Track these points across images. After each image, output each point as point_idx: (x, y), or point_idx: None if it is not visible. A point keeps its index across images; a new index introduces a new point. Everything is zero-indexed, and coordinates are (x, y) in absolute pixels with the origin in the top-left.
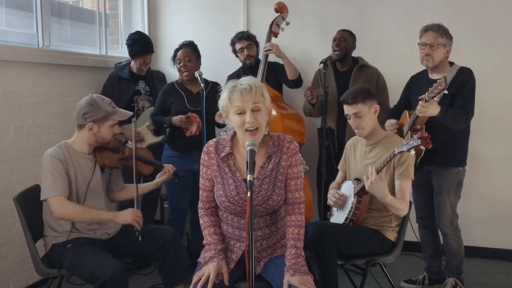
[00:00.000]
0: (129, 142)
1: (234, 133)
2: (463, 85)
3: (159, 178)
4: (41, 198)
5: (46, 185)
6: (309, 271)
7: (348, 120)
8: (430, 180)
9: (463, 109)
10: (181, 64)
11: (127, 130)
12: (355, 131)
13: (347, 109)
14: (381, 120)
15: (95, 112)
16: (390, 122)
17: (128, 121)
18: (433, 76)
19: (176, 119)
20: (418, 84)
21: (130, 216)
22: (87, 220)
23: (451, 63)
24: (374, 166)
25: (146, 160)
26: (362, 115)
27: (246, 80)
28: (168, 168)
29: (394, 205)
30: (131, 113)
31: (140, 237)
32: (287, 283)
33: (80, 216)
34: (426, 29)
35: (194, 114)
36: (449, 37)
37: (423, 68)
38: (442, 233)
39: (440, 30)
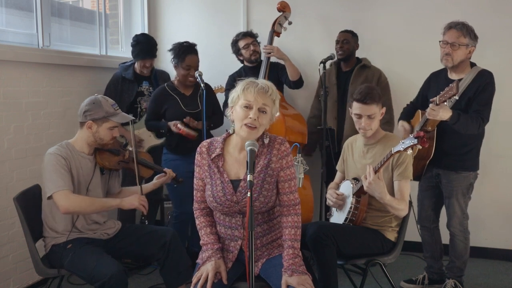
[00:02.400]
0: (129, 145)
1: (227, 135)
2: (481, 90)
3: (158, 180)
4: (47, 195)
5: (51, 181)
6: (309, 271)
7: (357, 119)
8: (439, 183)
9: (478, 114)
10: (191, 72)
11: (129, 132)
12: (361, 131)
13: (361, 109)
14: (384, 121)
15: (95, 110)
16: (404, 127)
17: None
18: (452, 76)
19: (173, 129)
20: (436, 82)
21: (136, 200)
22: (95, 209)
23: (472, 64)
24: (372, 166)
25: (146, 163)
26: (375, 117)
27: (264, 81)
28: (169, 172)
29: (393, 205)
30: (132, 117)
31: (147, 221)
32: (285, 284)
33: (88, 207)
34: (450, 27)
35: (185, 130)
36: (474, 38)
37: (424, 68)
38: (451, 233)
39: (464, 30)
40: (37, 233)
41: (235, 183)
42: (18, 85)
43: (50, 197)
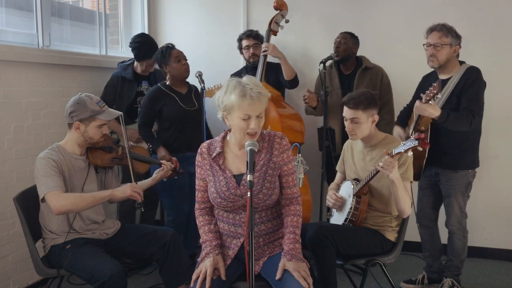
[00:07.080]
0: (122, 141)
1: (225, 134)
2: (468, 85)
3: (157, 174)
4: (40, 198)
5: (43, 184)
6: (309, 272)
7: (344, 122)
8: (437, 182)
9: (468, 111)
10: (182, 62)
11: (129, 130)
12: (348, 134)
13: (346, 112)
14: (384, 122)
15: (81, 111)
16: (398, 133)
17: (131, 122)
18: (442, 76)
19: (163, 156)
20: (428, 84)
21: (129, 188)
22: (88, 204)
23: (462, 62)
24: (387, 151)
25: (141, 158)
26: (359, 122)
27: (253, 86)
28: (166, 164)
29: (404, 196)
30: (120, 112)
31: (142, 209)
32: (282, 267)
33: (79, 203)
34: (431, 30)
35: (175, 159)
36: (455, 36)
37: (425, 68)
38: (449, 231)
39: (444, 29)
40: (37, 233)
41: (238, 177)
42: (18, 85)
43: (43, 200)
